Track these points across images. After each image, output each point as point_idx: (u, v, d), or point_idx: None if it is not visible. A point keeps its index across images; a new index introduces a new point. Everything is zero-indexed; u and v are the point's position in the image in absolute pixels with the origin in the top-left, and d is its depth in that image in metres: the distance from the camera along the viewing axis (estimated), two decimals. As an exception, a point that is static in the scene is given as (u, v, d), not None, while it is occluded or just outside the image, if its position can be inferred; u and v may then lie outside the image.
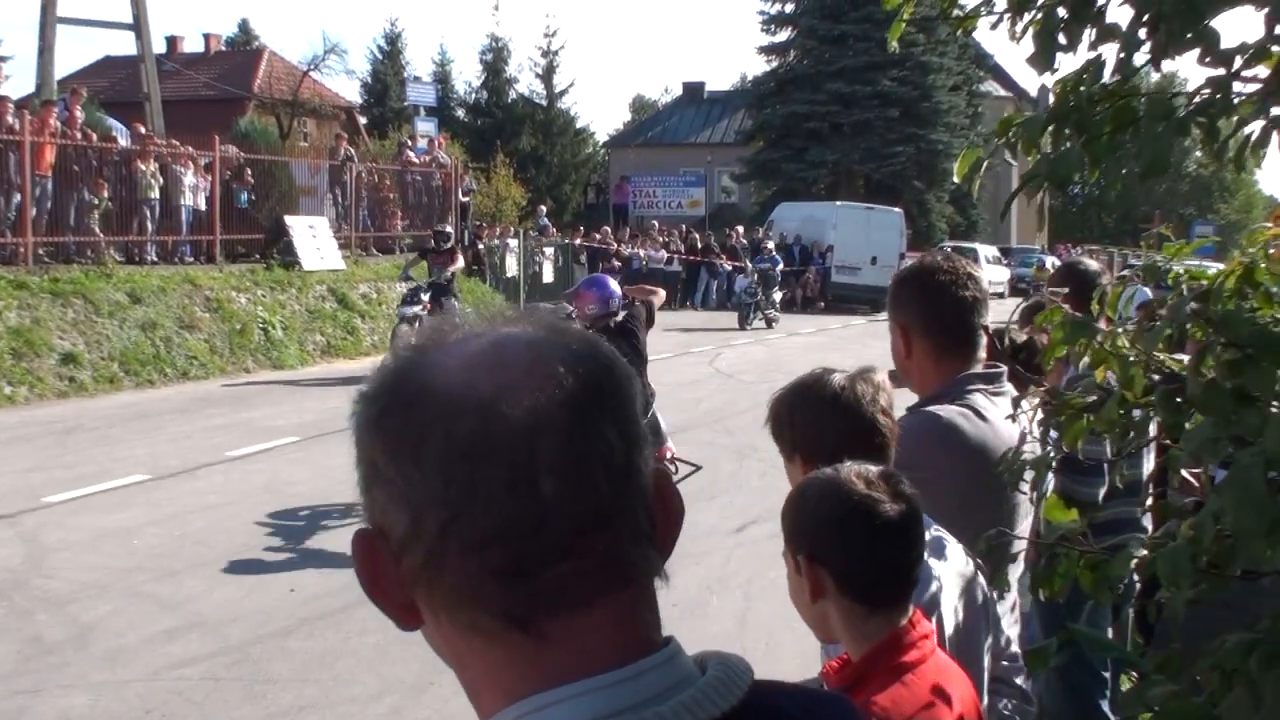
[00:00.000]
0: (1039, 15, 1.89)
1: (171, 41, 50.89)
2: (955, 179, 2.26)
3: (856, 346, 23.61)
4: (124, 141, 19.64)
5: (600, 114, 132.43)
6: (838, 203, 36.23)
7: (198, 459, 11.11)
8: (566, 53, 71.74)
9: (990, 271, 37.80)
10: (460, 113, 52.80)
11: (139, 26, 24.75)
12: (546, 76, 52.31)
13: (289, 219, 21.20)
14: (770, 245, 30.63)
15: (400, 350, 1.02)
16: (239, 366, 17.58)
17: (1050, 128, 1.85)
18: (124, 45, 37.09)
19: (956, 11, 2.50)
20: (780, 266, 29.84)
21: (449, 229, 19.67)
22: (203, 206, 20.22)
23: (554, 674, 0.94)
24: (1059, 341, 1.98)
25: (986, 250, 40.28)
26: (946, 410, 2.84)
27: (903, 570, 2.02)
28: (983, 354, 3.01)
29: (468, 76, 52.99)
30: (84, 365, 15.45)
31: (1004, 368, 3.02)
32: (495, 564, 0.93)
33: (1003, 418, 2.81)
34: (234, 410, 14.19)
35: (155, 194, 19.09)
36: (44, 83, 22.20)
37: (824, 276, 33.87)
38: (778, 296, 28.80)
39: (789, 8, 44.65)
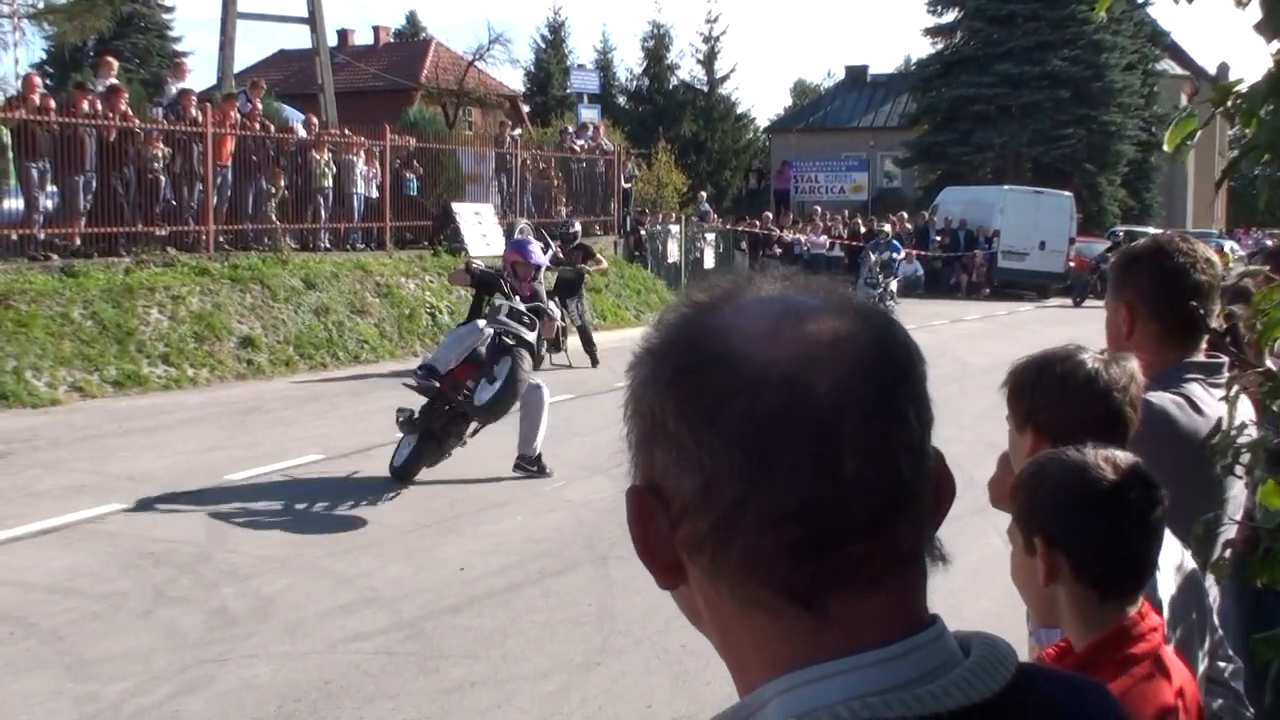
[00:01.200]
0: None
1: (343, 35, 52.23)
2: (1166, 148, 2.17)
3: (1025, 334, 23.05)
4: (301, 131, 20.22)
5: (761, 99, 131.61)
6: (1005, 186, 35.43)
7: (369, 440, 11.37)
8: (728, 38, 71.22)
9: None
10: (622, 100, 53.07)
11: (314, 21, 25.47)
12: (708, 62, 52.23)
13: (455, 205, 21.57)
14: (888, 229, 29.34)
15: (686, 303, 1.01)
16: (408, 350, 17.96)
17: (1272, 97, 1.76)
18: (297, 39, 38.20)
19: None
20: (900, 255, 28.42)
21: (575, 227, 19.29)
22: (374, 194, 20.71)
23: (831, 648, 0.92)
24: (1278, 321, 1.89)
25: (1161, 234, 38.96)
26: (1160, 398, 2.73)
27: (1142, 560, 1.97)
28: (1204, 343, 2.89)
29: (630, 63, 53.16)
30: (261, 348, 15.96)
31: (1225, 359, 2.90)
32: (793, 540, 0.91)
33: (1218, 410, 2.70)
34: (403, 393, 14.46)
35: (329, 183, 19.62)
36: (224, 76, 23.00)
37: (990, 262, 33.17)
38: (895, 286, 27.14)
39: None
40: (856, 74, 55.09)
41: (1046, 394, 2.39)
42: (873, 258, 26.50)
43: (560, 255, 17.34)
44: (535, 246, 11.21)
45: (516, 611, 6.68)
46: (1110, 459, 1.96)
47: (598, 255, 18.81)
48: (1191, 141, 1.95)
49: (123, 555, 7.57)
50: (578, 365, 17.01)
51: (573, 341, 17.57)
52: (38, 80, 15.97)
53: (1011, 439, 2.46)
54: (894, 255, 27.40)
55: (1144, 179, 46.25)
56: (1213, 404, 2.77)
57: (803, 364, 0.92)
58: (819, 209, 36.00)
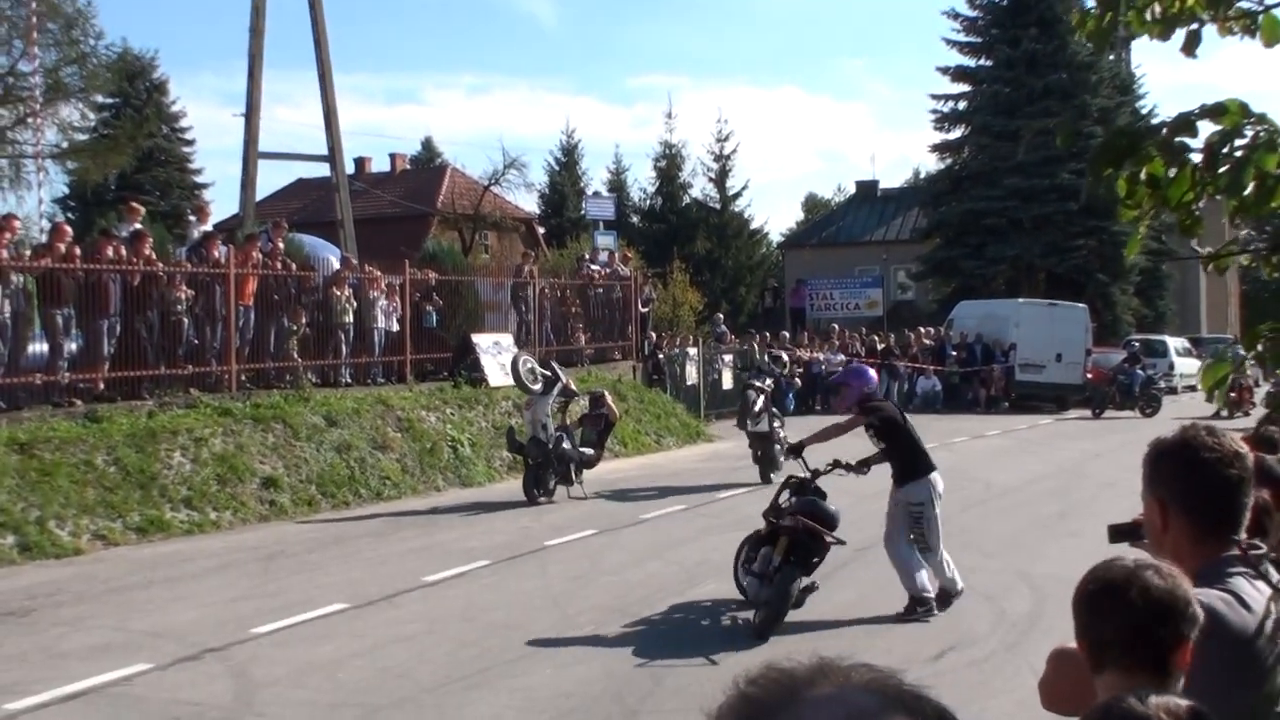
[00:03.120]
0: None
1: (360, 162, 53.10)
2: (1127, 254, 2.22)
3: (1046, 450, 22.98)
4: (335, 261, 20.46)
5: (774, 214, 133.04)
6: (1020, 300, 35.60)
7: (395, 585, 11.33)
8: (738, 155, 72.35)
9: (1182, 364, 36.55)
10: (636, 219, 53.67)
11: (334, 158, 25.96)
12: (719, 180, 52.95)
13: (475, 337, 21.73)
14: (780, 353, 25.85)
15: (741, 701, 1.02)
16: (429, 485, 17.97)
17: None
18: (317, 169, 38.82)
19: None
20: (785, 370, 25.10)
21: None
22: (394, 328, 20.88)
23: None
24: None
25: (1176, 342, 39.00)
26: (1207, 595, 2.71)
27: None
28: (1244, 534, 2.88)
29: (643, 182, 53.99)
30: (283, 488, 15.98)
31: (1264, 548, 2.89)
32: None
33: (1265, 603, 2.68)
34: (427, 532, 14.48)
35: (349, 318, 19.80)
36: (246, 216, 23.39)
37: (1008, 375, 33.18)
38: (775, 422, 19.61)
39: (961, 105, 44.42)
40: (867, 189, 55.74)
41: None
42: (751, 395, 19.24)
43: (572, 386, 17.80)
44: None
45: (550, 775, 6.60)
46: (1173, 711, 1.95)
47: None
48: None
49: (150, 721, 7.50)
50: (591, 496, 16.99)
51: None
52: (68, 230, 16.23)
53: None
54: (782, 373, 24.16)
55: (1157, 287, 46.41)
56: (1259, 598, 2.75)
57: None
58: (835, 326, 36.14)
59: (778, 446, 17.68)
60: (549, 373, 17.31)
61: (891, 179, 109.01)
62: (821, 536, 9.69)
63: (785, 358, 20.31)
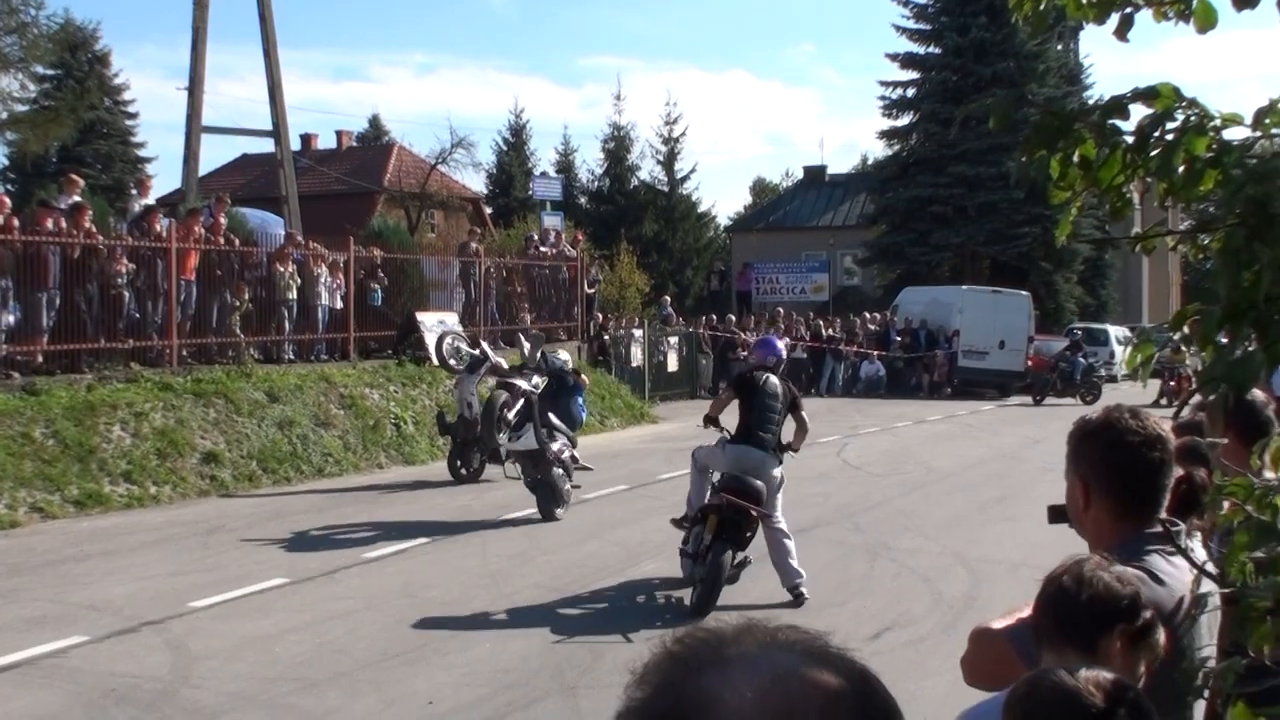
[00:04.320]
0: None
1: (306, 139, 52.59)
2: (1060, 237, 2.29)
3: (987, 435, 23.25)
4: (279, 232, 20.27)
5: (721, 197, 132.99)
6: (964, 286, 35.92)
7: (335, 561, 11.30)
8: (686, 139, 72.29)
9: (1122, 353, 37.04)
10: (583, 200, 53.55)
11: (278, 133, 25.69)
12: (668, 163, 52.89)
13: (420, 315, 21.63)
14: (564, 356, 18.11)
15: (668, 659, 1.04)
16: (372, 463, 17.90)
17: (1226, 325, 1.83)
18: (261, 144, 38.44)
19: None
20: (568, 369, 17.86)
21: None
22: (338, 305, 20.76)
23: None
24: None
25: (1118, 330, 39.48)
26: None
27: None
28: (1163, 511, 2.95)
29: (591, 164, 53.93)
30: (225, 464, 15.87)
31: (1182, 525, 2.96)
32: None
33: (1181, 579, 2.75)
34: (368, 509, 14.43)
35: (293, 294, 19.66)
36: (189, 189, 23.11)
37: (951, 361, 33.49)
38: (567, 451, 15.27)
39: (910, 92, 44.65)
40: (815, 174, 55.93)
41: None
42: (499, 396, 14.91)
43: (504, 366, 16.59)
44: None
45: (487, 748, 6.62)
46: (1100, 684, 2.00)
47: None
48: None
49: (85, 694, 7.45)
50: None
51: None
52: (6, 201, 15.98)
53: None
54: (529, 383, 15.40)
55: (1100, 276, 46.96)
56: (1174, 574, 2.81)
57: None
58: (781, 310, 36.30)
59: (558, 470, 13.83)
60: (476, 352, 17.19)
61: (839, 165, 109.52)
62: (747, 511, 9.70)
63: (566, 357, 16.72)
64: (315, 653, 8.39)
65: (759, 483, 9.88)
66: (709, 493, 10.29)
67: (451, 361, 17.37)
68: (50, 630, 8.79)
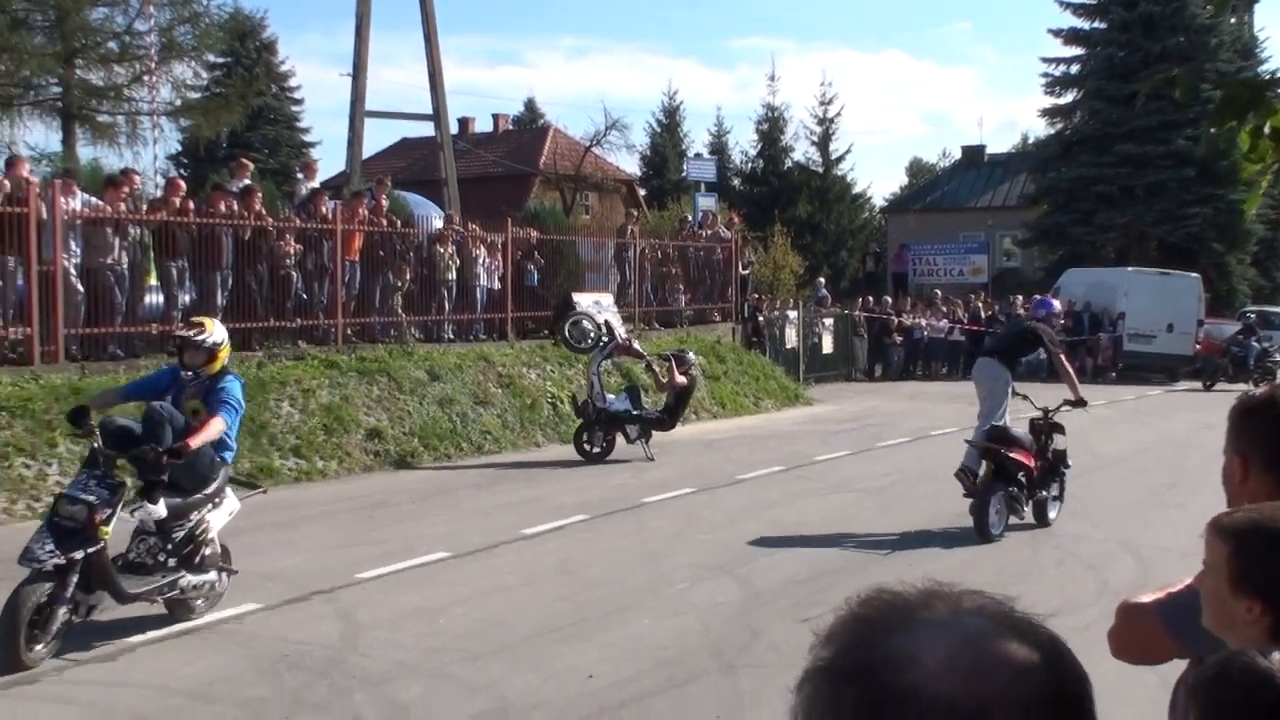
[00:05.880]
0: None
1: (463, 122, 53.43)
2: (1248, 212, 2.22)
3: (1155, 420, 22.58)
4: (437, 220, 20.71)
5: (877, 178, 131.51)
6: (1130, 268, 34.87)
7: (494, 536, 11.50)
8: (842, 118, 71.70)
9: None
10: (736, 182, 53.38)
11: (438, 117, 26.18)
12: (822, 143, 52.40)
13: (576, 295, 21.83)
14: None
15: (855, 619, 1.05)
16: (529, 441, 18.16)
17: None
18: (421, 128, 39.18)
19: None
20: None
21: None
22: (496, 286, 21.09)
23: None
24: None
25: (1294, 315, 37.93)
26: None
27: None
28: None
29: (744, 145, 53.81)
30: (387, 440, 16.26)
31: None
32: None
33: None
34: (526, 486, 14.66)
35: (453, 275, 20.04)
36: (352, 172, 23.70)
37: (1116, 345, 32.56)
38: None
39: (1073, 69, 43.46)
40: (973, 154, 54.81)
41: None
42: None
43: (635, 347, 17.89)
44: None
45: (647, 724, 6.68)
46: None
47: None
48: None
49: (260, 659, 7.72)
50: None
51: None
52: (182, 184, 16.61)
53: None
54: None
55: (1275, 257, 45.12)
56: None
57: (981, 706, 0.96)
58: (938, 292, 35.74)
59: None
60: (601, 332, 17.47)
61: (998, 144, 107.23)
62: (1008, 456, 11.77)
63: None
64: (477, 626, 8.56)
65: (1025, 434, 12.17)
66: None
67: (572, 341, 17.65)
68: (227, 597, 9.10)
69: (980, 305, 33.83)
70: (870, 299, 33.55)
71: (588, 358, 17.67)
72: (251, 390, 15.12)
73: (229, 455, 8.90)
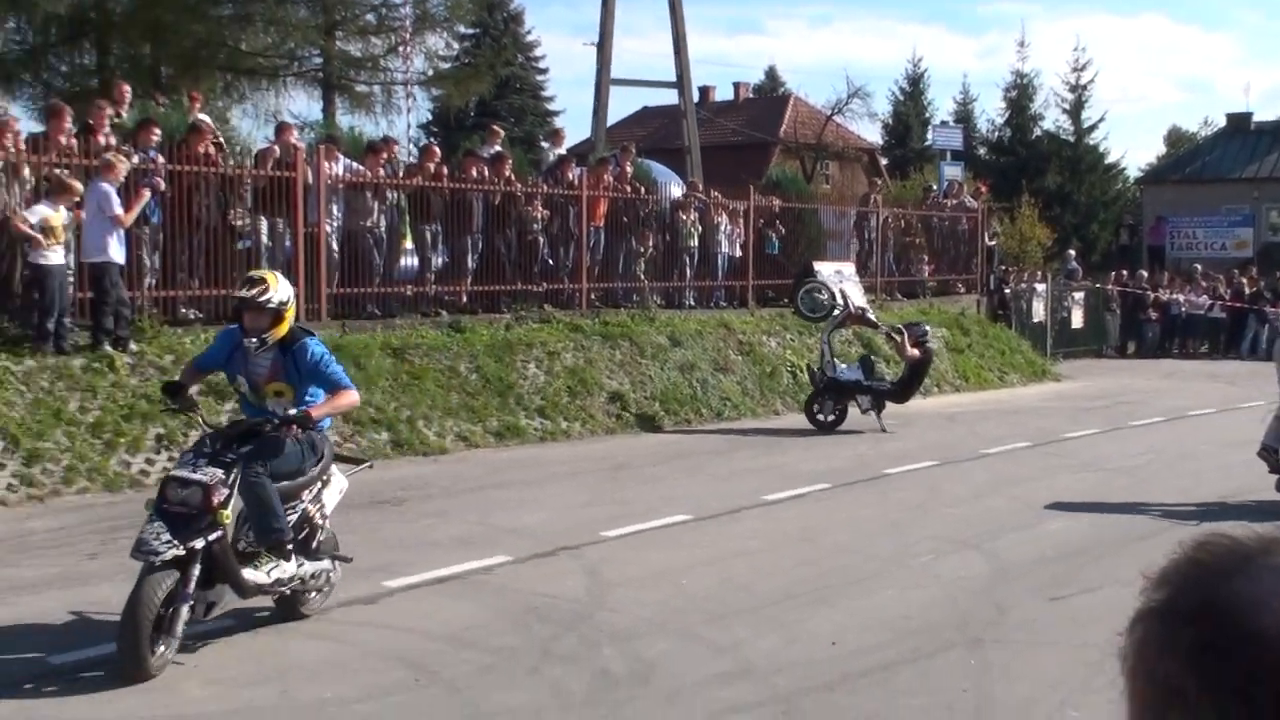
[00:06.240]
0: None
1: (704, 91, 53.55)
2: None
3: None
4: (677, 188, 20.89)
5: (1132, 147, 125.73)
6: None
7: (736, 501, 11.54)
8: (1096, 85, 68.90)
9: None
10: (982, 151, 52.02)
11: (682, 84, 26.31)
12: (1074, 111, 50.56)
13: (817, 264, 21.64)
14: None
15: (1189, 563, 1.02)
16: (768, 409, 18.15)
17: None
18: (662, 97, 39.43)
19: None
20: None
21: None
22: (737, 253, 21.12)
23: None
24: None
25: None
26: None
27: None
28: None
29: (991, 114, 52.43)
30: (629, 404, 16.49)
31: None
32: None
33: None
34: (766, 453, 14.67)
35: (694, 242, 20.15)
36: (598, 139, 24.05)
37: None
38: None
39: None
40: (1239, 121, 51.93)
41: None
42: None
43: (869, 317, 17.90)
44: None
45: (891, 692, 6.59)
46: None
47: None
48: None
49: (510, 609, 7.95)
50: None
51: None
52: (437, 151, 17.18)
53: None
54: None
55: None
56: None
57: None
58: (1198, 267, 34.10)
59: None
60: (831, 301, 17.36)
61: (1266, 112, 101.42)
62: None
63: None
64: (720, 587, 8.61)
65: None
66: None
67: (804, 309, 17.54)
68: (477, 549, 9.42)
69: (1244, 281, 32.07)
70: (1124, 272, 32.24)
71: (821, 326, 17.59)
72: (498, 351, 15.62)
73: (326, 423, 7.56)
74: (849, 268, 22.22)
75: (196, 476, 6.66)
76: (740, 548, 9.83)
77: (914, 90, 56.70)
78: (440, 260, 16.75)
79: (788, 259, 22.10)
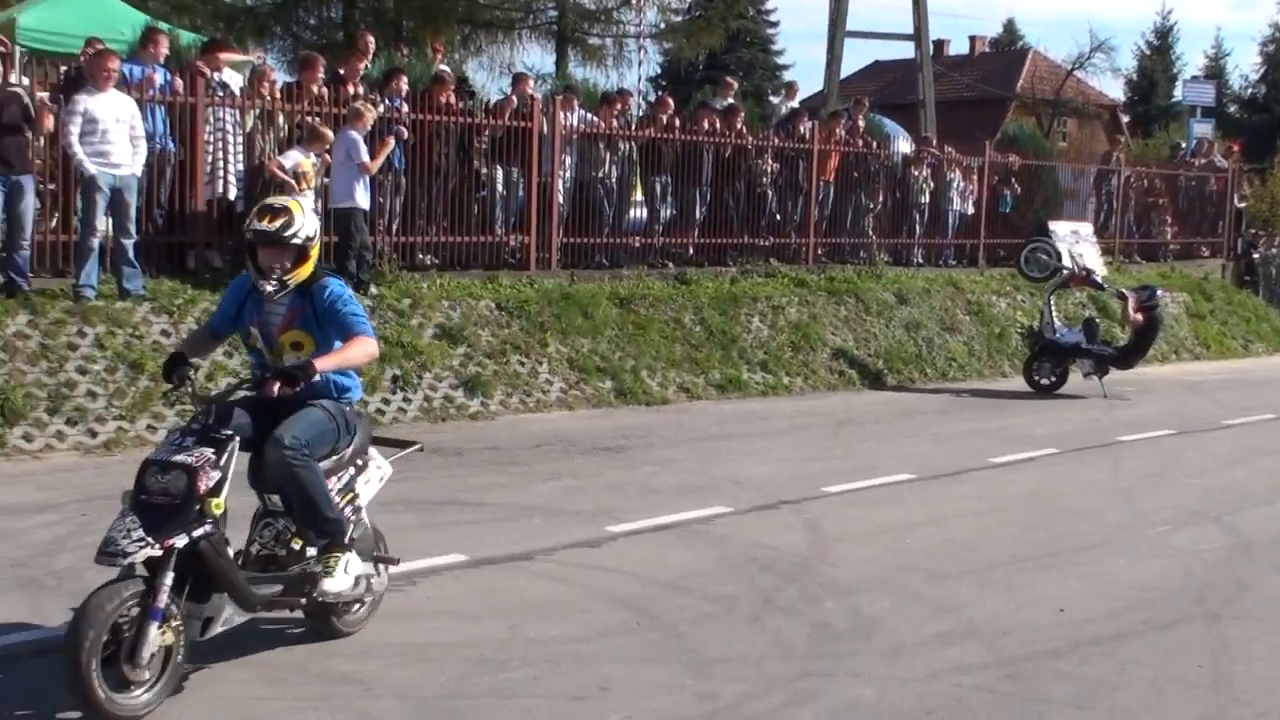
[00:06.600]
0: None
1: (938, 45, 52.28)
2: None
3: None
4: (905, 144, 20.56)
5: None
6: None
7: (961, 462, 11.36)
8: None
9: None
10: (1233, 108, 49.47)
11: (919, 37, 25.78)
12: (1340, 66, 47.60)
13: (1052, 224, 20.99)
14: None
15: None
16: (996, 370, 17.75)
17: None
18: (894, 51, 38.68)
19: None
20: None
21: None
22: (969, 211, 20.65)
23: None
24: None
25: None
26: None
27: None
28: None
29: (1245, 69, 49.68)
30: (851, 361, 16.35)
31: None
32: None
33: None
34: (993, 415, 14.37)
35: (925, 199, 19.78)
36: (830, 93, 23.78)
37: None
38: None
39: None
40: None
41: None
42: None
43: (1095, 278, 17.32)
44: None
45: (1122, 663, 6.41)
46: None
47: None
48: None
49: (731, 558, 8.01)
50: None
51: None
52: (670, 102, 17.27)
53: None
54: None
55: None
56: None
57: None
58: None
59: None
60: (1056, 261, 16.98)
61: None
62: None
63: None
64: (944, 548, 8.50)
65: None
66: None
67: (1026, 269, 17.08)
68: (698, 499, 9.52)
69: None
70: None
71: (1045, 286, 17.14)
72: (723, 304, 15.69)
73: (354, 393, 6.13)
74: (1086, 228, 21.52)
75: (180, 459, 5.20)
76: (965, 509, 9.68)
77: (1162, 44, 54.34)
78: (669, 212, 16.87)
79: (1021, 218, 21.50)
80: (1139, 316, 16.17)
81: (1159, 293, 17.15)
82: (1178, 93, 42.26)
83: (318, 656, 5.96)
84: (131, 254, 11.74)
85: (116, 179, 11.48)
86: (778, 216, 17.93)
